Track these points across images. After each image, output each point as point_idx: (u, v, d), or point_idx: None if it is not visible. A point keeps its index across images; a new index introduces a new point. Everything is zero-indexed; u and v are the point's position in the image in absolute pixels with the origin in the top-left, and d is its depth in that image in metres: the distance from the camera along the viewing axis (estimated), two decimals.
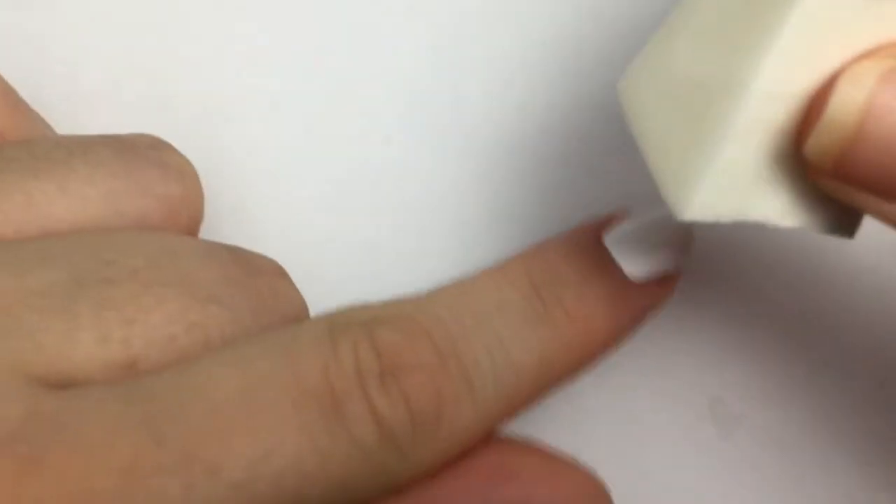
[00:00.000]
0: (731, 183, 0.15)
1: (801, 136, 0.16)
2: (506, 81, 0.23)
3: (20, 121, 0.20)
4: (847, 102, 0.15)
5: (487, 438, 0.18)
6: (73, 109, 0.22)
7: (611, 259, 0.19)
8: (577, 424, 0.23)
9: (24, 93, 0.22)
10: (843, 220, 0.17)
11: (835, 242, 0.22)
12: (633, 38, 0.23)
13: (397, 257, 0.22)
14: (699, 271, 0.22)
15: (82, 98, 0.22)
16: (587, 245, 0.19)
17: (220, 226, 0.22)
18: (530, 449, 0.18)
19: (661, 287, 0.20)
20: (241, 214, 0.22)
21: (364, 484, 0.16)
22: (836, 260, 0.22)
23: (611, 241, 0.19)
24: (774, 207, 0.16)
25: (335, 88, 0.22)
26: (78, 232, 0.18)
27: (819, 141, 0.15)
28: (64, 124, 0.22)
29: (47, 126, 0.21)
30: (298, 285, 0.22)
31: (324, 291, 0.20)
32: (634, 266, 0.19)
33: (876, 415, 0.22)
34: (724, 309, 0.23)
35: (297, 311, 0.18)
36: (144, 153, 0.19)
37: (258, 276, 0.18)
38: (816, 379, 0.22)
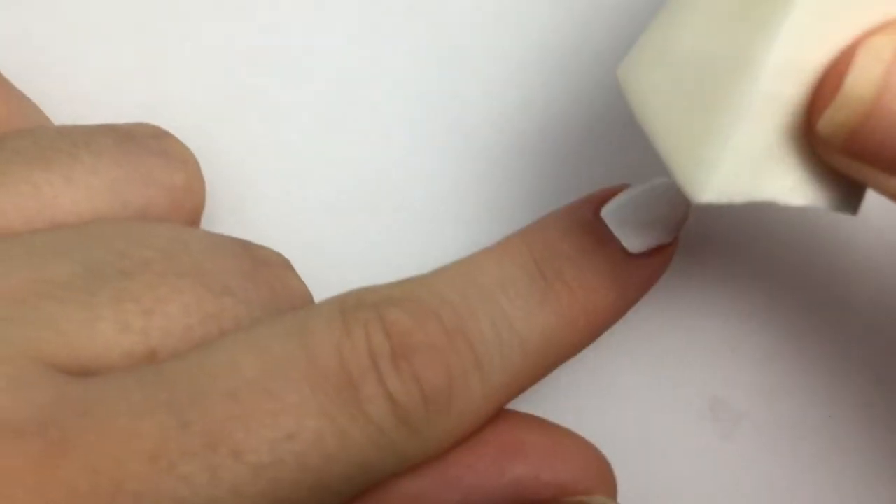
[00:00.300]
0: (745, 162, 0.15)
1: (814, 111, 0.15)
2: (506, 81, 0.23)
3: (17, 109, 0.20)
4: (865, 76, 0.15)
5: (495, 415, 0.18)
6: (73, 109, 0.22)
7: (608, 232, 0.19)
8: (577, 424, 0.23)
9: (24, 93, 0.22)
10: (848, 197, 0.17)
11: (834, 242, 0.22)
12: (634, 38, 0.23)
13: (397, 257, 0.22)
14: (699, 271, 0.22)
15: (82, 98, 0.22)
16: (585, 219, 0.19)
17: (220, 226, 0.22)
18: (536, 424, 0.19)
19: (658, 258, 0.20)
20: (241, 215, 0.22)
21: (380, 462, 0.16)
22: (835, 259, 0.22)
23: (608, 214, 0.19)
24: (784, 186, 0.16)
25: (335, 88, 0.22)
26: (87, 223, 0.18)
27: (835, 115, 0.15)
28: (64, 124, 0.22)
29: (43, 115, 0.21)
30: None
31: (324, 291, 0.20)
32: (632, 238, 0.19)
33: (875, 413, 0.22)
34: (724, 308, 0.23)
35: (304, 303, 0.19)
36: (146, 142, 0.19)
37: (267, 268, 0.18)
38: (816, 378, 0.22)
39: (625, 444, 0.23)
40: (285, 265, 0.19)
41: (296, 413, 0.15)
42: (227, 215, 0.22)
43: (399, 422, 0.16)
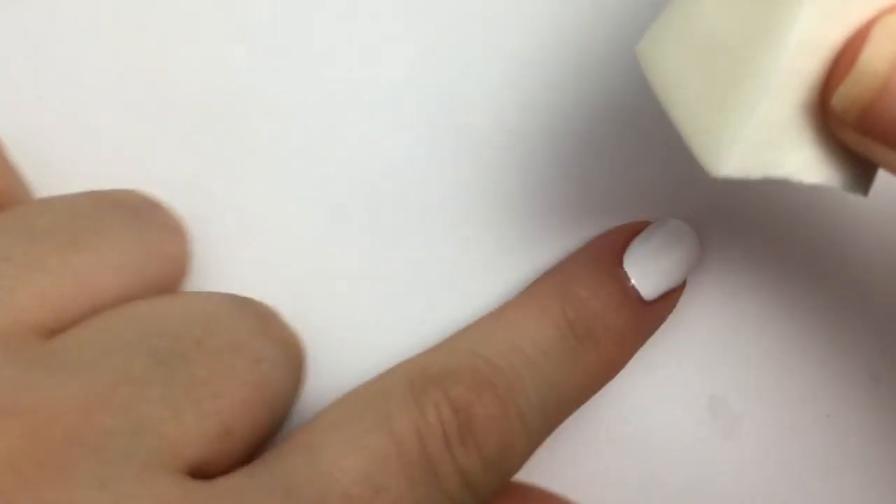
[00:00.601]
0: (764, 138, 0.15)
1: (829, 87, 0.16)
2: (506, 81, 0.23)
3: (16, 181, 0.20)
4: (880, 53, 0.15)
5: (510, 491, 0.21)
6: (74, 110, 0.22)
7: (631, 285, 0.21)
8: (576, 424, 0.23)
9: (25, 93, 0.22)
10: (859, 178, 0.17)
11: (833, 241, 0.22)
12: (635, 38, 0.23)
13: (397, 256, 0.22)
14: (698, 272, 0.22)
15: (82, 98, 0.22)
16: (611, 272, 0.21)
17: (220, 226, 0.22)
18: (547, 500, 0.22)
19: (669, 302, 0.22)
20: (241, 214, 0.22)
21: None
22: (834, 259, 0.22)
23: (630, 264, 0.21)
24: (798, 162, 0.16)
25: (335, 89, 0.22)
26: (129, 309, 0.19)
27: (848, 91, 0.15)
28: (64, 124, 0.22)
29: (25, 188, 0.21)
30: (299, 284, 0.22)
31: (324, 290, 0.20)
32: (650, 286, 0.21)
33: (874, 413, 0.22)
34: (724, 308, 0.23)
35: (300, 352, 0.20)
36: (147, 215, 0.20)
37: (270, 321, 0.20)
38: (815, 378, 0.22)
39: (625, 444, 0.23)
40: (276, 313, 0.20)
41: (396, 501, 0.18)
42: (228, 215, 0.22)
43: (465, 488, 0.19)
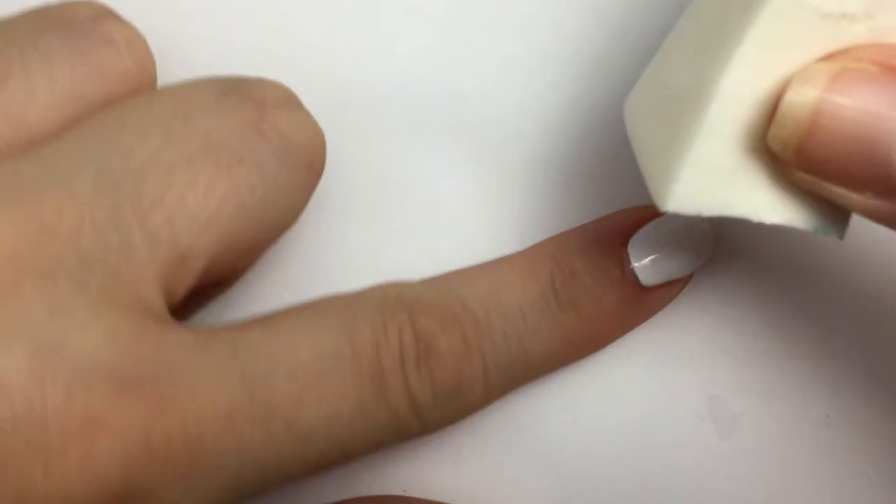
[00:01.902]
0: (708, 177, 0.17)
1: (767, 132, 0.17)
2: (506, 81, 0.23)
3: None
4: (800, 97, 0.16)
5: None
6: None
7: (630, 268, 0.21)
8: (576, 424, 0.23)
9: None
10: (832, 220, 0.18)
11: (834, 241, 0.22)
12: (634, 39, 0.23)
13: (397, 256, 0.22)
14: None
15: None
16: (612, 250, 0.21)
17: None
18: None
19: (669, 290, 0.22)
20: None
21: (387, 438, 0.19)
22: (834, 258, 0.22)
23: (634, 246, 0.21)
24: (758, 203, 0.17)
25: (335, 88, 0.22)
26: (74, 126, 0.18)
27: (777, 133, 0.17)
28: None
29: None
30: (297, 284, 0.22)
31: (324, 290, 0.20)
32: (650, 272, 0.21)
33: (873, 413, 0.22)
34: (723, 308, 0.23)
35: (314, 141, 0.19)
36: (90, 30, 0.19)
37: (271, 109, 0.19)
38: (814, 378, 0.22)
39: (624, 444, 0.23)
40: (288, 98, 0.19)
41: (338, 398, 0.18)
42: None
43: (411, 411, 0.19)
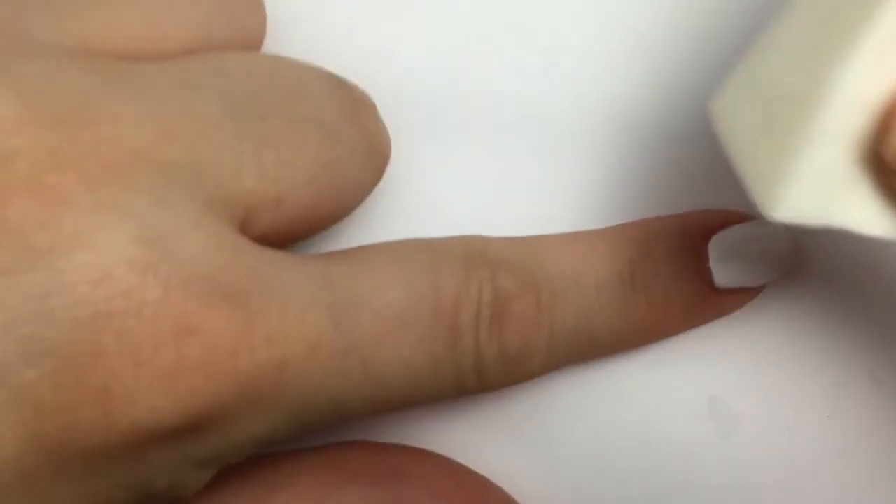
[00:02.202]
0: (819, 186, 0.16)
1: (879, 139, 0.16)
2: (507, 81, 0.23)
3: None
4: None
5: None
6: None
7: (707, 265, 0.21)
8: (576, 424, 0.23)
9: None
10: None
11: (835, 241, 0.22)
12: (634, 40, 0.23)
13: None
14: None
15: None
16: (693, 246, 0.21)
17: None
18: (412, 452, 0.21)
19: (739, 297, 0.22)
20: None
21: (447, 392, 0.20)
22: (834, 259, 0.22)
23: (716, 247, 0.21)
24: (860, 214, 0.17)
25: None
26: (211, 54, 0.18)
27: (892, 142, 0.16)
28: None
29: None
30: None
31: None
32: (726, 275, 0.21)
33: (874, 414, 0.22)
34: None
35: (387, 145, 0.20)
36: None
37: (363, 108, 0.20)
38: (815, 378, 0.22)
39: (624, 444, 0.23)
40: (373, 105, 0.20)
41: (415, 347, 0.18)
42: None
43: (475, 368, 0.19)
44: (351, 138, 0.19)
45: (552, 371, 0.21)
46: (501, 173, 0.23)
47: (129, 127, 0.16)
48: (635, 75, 0.23)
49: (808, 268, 0.22)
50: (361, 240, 0.20)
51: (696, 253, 0.21)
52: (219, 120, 0.17)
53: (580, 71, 0.23)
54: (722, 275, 0.21)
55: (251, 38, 0.20)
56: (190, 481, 0.17)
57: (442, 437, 0.22)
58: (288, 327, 0.17)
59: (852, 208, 0.17)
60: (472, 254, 0.20)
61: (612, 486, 0.23)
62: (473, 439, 0.23)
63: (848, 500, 0.22)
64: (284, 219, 0.18)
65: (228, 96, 0.17)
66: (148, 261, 0.15)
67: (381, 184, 0.21)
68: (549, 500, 0.22)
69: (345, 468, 0.19)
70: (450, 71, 0.23)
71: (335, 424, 0.20)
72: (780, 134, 0.16)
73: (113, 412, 0.15)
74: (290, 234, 0.19)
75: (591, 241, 0.21)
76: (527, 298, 0.20)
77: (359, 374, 0.18)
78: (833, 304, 0.22)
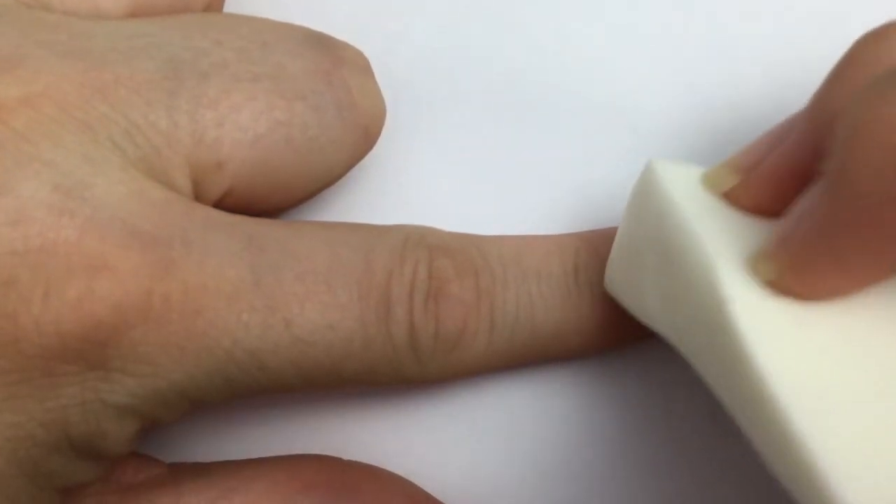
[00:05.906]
0: None
1: None
2: (508, 81, 0.23)
3: None
4: None
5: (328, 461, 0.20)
6: None
7: None
8: (576, 424, 0.23)
9: None
10: None
11: None
12: (634, 40, 0.23)
13: None
14: None
15: None
16: None
17: None
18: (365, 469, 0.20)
19: None
20: None
21: (383, 372, 0.19)
22: None
23: None
24: None
25: None
26: (162, 16, 0.18)
27: None
28: None
29: None
30: None
31: None
32: None
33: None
34: None
35: (376, 111, 0.20)
36: None
37: (344, 67, 0.19)
38: None
39: (624, 444, 0.22)
40: (365, 67, 0.20)
41: (341, 310, 0.18)
42: None
43: (410, 347, 0.19)
44: (318, 94, 0.19)
45: (497, 370, 0.21)
46: (495, 170, 0.23)
47: (60, 82, 0.16)
48: (635, 75, 0.23)
49: None
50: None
51: None
52: (155, 77, 0.17)
53: (580, 70, 0.23)
54: None
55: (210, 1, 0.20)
56: (109, 429, 0.17)
57: (437, 435, 0.22)
58: (206, 277, 0.17)
59: None
60: (410, 237, 0.20)
61: (613, 485, 0.22)
62: (472, 440, 0.23)
63: None
64: (235, 182, 0.18)
65: (170, 55, 0.17)
66: (65, 206, 0.16)
67: (371, 170, 0.21)
68: (549, 499, 0.22)
69: (302, 478, 0.19)
70: (446, 60, 0.23)
71: (273, 395, 0.20)
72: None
73: (22, 338, 0.16)
74: (251, 200, 0.19)
75: (539, 237, 0.21)
76: (465, 281, 0.19)
77: (282, 332, 0.18)
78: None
